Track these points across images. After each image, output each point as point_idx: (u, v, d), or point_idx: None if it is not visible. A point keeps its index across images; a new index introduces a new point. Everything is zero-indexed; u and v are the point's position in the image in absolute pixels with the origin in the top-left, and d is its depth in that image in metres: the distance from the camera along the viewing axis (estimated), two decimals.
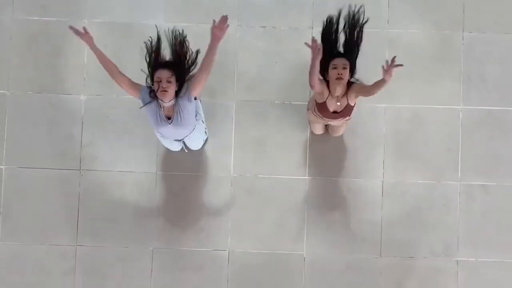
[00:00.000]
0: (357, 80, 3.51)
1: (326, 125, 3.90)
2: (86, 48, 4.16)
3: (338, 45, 3.50)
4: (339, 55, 3.41)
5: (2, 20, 4.23)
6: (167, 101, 3.33)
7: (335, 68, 3.36)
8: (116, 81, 3.38)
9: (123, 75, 3.42)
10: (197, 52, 3.48)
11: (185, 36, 3.49)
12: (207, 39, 4.02)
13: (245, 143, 4.19)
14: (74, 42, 4.13)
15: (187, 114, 3.37)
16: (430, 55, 4.19)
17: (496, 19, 4.18)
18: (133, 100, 3.92)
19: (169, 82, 3.30)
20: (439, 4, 4.18)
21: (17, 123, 4.18)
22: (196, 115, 3.60)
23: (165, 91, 3.28)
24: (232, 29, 4.12)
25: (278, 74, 4.22)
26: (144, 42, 3.38)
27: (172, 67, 3.35)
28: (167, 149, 4.11)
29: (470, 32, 4.16)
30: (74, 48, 4.20)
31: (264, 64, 4.22)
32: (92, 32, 3.79)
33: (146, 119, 3.84)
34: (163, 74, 3.29)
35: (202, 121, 3.72)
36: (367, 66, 4.02)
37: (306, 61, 3.95)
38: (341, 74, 3.34)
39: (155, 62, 3.37)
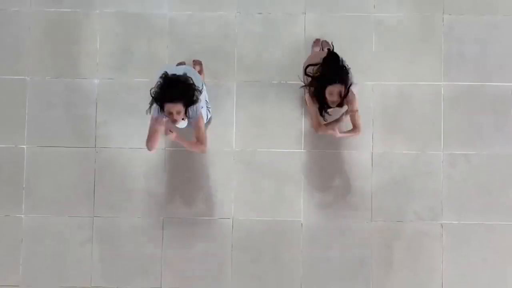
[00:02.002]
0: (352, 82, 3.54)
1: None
2: (98, 36, 4.31)
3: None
4: (332, 82, 3.43)
5: (21, 12, 4.31)
6: (178, 125, 3.48)
7: (331, 94, 3.42)
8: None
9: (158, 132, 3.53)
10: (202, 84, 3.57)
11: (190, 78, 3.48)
12: (211, 27, 4.31)
13: (246, 120, 4.25)
14: (87, 30, 4.32)
15: (193, 114, 3.54)
16: (413, 36, 4.27)
17: (474, 1, 4.26)
18: (142, 84, 4.19)
19: (179, 113, 3.36)
20: None
21: (37, 106, 4.27)
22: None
23: (176, 120, 3.39)
24: (232, 16, 4.31)
25: (275, 56, 4.28)
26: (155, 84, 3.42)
27: (181, 99, 3.35)
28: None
29: (450, 14, 4.25)
30: (87, 36, 4.30)
31: (262, 48, 4.29)
32: (103, 21, 4.05)
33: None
34: (173, 108, 3.33)
35: (206, 100, 3.82)
36: (355, 49, 4.26)
37: (300, 43, 4.26)
38: (337, 100, 3.44)
39: (162, 98, 3.35)
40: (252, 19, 4.32)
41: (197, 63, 4.19)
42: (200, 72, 4.12)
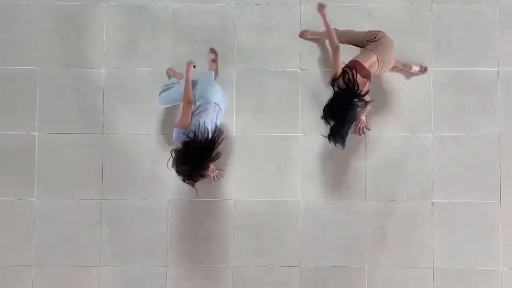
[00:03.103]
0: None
1: None
2: (104, 28, 4.31)
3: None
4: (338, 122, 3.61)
5: (31, 6, 4.32)
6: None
7: None
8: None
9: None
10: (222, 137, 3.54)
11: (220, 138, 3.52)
12: (211, 19, 4.25)
13: (245, 106, 4.27)
14: (94, 23, 4.32)
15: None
16: (404, 24, 4.29)
17: None
18: (147, 73, 4.23)
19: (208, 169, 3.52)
20: None
21: (47, 95, 4.28)
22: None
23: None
24: (230, 8, 4.30)
25: (272, 45, 4.30)
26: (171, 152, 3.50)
27: (209, 164, 3.48)
28: (178, 112, 3.98)
29: (438, 4, 4.27)
30: (94, 28, 4.31)
31: (260, 37, 4.31)
32: (109, 14, 4.05)
33: (158, 89, 4.05)
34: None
35: (217, 105, 3.72)
36: None
37: (296, 32, 4.26)
38: None
39: (191, 171, 3.42)
40: (250, 10, 4.33)
41: (212, 51, 4.21)
42: (215, 60, 4.16)
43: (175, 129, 3.55)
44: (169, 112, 4.26)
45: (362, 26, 4.27)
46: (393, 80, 4.26)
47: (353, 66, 3.67)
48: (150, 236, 4.22)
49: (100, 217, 4.24)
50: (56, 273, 4.22)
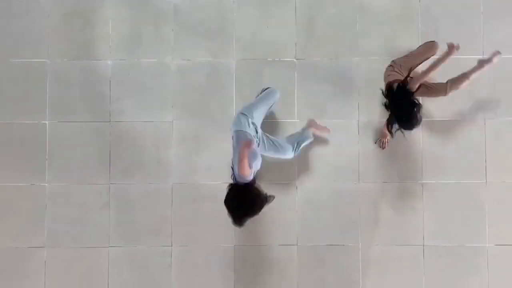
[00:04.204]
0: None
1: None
2: (110, 22, 4.37)
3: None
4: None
5: (41, 2, 4.39)
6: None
7: None
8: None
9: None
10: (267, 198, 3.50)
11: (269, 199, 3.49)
12: (211, 12, 4.26)
13: (244, 93, 4.32)
14: (101, 17, 4.37)
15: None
16: (393, 16, 4.37)
17: None
18: (150, 63, 4.27)
19: None
20: None
21: (57, 85, 4.35)
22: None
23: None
24: (229, 1, 4.37)
25: (269, 36, 4.36)
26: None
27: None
28: (180, 101, 4.30)
29: None
30: (101, 22, 4.38)
31: (257, 29, 4.37)
32: (114, 8, 4.09)
33: (163, 78, 4.19)
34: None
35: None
36: (342, 29, 4.34)
37: (291, 24, 4.28)
38: None
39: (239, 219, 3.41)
40: (248, 3, 4.40)
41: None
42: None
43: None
44: (172, 99, 4.35)
45: (354, 18, 4.37)
46: (383, 67, 4.20)
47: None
48: (156, 218, 4.29)
49: (108, 201, 4.31)
50: (67, 254, 4.30)
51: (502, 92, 4.36)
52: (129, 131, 4.35)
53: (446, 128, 4.35)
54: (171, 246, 4.30)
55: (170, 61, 4.41)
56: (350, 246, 4.31)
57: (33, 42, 4.40)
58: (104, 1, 4.43)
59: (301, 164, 4.33)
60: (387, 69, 4.10)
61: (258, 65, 4.38)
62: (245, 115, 3.73)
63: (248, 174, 3.37)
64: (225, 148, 4.24)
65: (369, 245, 4.29)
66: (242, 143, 3.38)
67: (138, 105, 4.36)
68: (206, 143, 4.36)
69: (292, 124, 4.35)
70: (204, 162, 4.34)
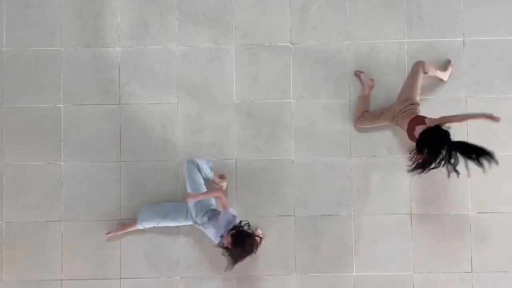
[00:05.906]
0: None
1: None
2: (118, 12, 4.48)
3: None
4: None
5: None
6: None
7: None
8: None
9: None
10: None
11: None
12: (212, 0, 4.25)
13: (244, 77, 4.45)
14: (110, 7, 4.48)
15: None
16: (379, 1, 4.49)
17: None
18: (156, 50, 4.41)
19: None
20: None
21: (70, 71, 4.46)
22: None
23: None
24: None
25: (266, 23, 4.47)
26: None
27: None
28: (184, 84, 4.41)
29: None
30: (110, 12, 4.48)
31: (255, 16, 4.48)
32: None
33: (168, 64, 4.33)
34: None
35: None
36: (333, 15, 4.46)
37: (286, 11, 4.42)
38: None
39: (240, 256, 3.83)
40: None
41: (221, 177, 4.40)
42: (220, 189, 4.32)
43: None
44: (177, 83, 4.47)
45: (344, 4, 4.52)
46: (371, 50, 4.43)
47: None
48: (163, 193, 4.40)
49: (119, 177, 4.43)
50: (82, 227, 4.43)
51: (486, 72, 4.48)
52: (137, 113, 4.46)
53: (431, 105, 4.43)
54: None
55: (174, 47, 4.52)
56: (344, 216, 4.44)
57: (47, 32, 4.51)
58: None
59: (297, 141, 4.45)
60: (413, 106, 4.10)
61: (255, 49, 4.50)
62: (189, 207, 4.16)
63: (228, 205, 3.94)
64: (228, 126, 4.44)
65: (361, 214, 4.43)
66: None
67: (145, 89, 4.47)
68: (209, 122, 4.47)
69: (288, 104, 4.49)
70: (208, 140, 4.46)
